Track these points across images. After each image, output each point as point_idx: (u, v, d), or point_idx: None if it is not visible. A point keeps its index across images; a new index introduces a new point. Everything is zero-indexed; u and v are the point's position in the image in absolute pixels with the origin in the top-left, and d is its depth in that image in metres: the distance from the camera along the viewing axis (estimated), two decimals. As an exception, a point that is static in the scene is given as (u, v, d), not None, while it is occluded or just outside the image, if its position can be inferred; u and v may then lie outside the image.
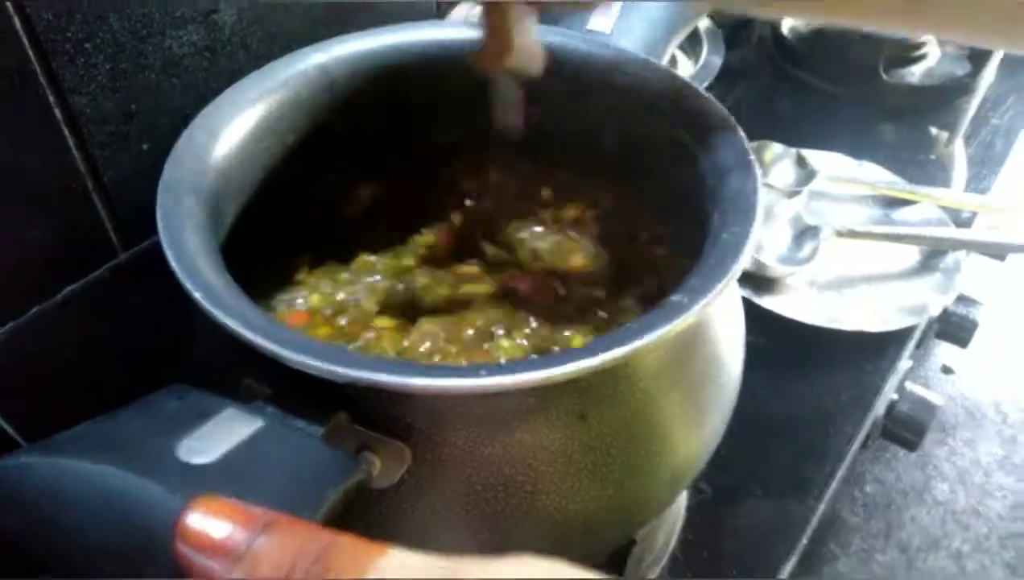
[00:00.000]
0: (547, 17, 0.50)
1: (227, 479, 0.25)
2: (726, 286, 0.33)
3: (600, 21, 0.49)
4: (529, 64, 0.43)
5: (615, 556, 0.47)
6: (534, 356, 0.41)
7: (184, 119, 0.39)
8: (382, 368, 0.29)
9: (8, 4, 0.39)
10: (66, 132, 0.44)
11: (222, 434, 0.26)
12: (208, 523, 0.21)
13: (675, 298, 0.32)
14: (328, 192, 0.50)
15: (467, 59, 0.43)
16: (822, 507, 0.56)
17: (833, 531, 0.69)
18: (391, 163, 0.52)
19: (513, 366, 0.29)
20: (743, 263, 0.33)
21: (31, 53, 0.41)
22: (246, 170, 0.41)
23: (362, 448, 0.31)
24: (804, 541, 0.54)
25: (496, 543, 0.34)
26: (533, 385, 0.29)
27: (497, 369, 0.29)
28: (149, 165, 0.49)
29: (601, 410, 0.34)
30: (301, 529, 0.22)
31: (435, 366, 0.30)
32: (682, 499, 0.55)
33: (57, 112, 0.43)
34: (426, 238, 0.50)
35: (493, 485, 0.33)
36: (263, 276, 0.45)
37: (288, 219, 0.48)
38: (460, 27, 0.48)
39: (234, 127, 0.40)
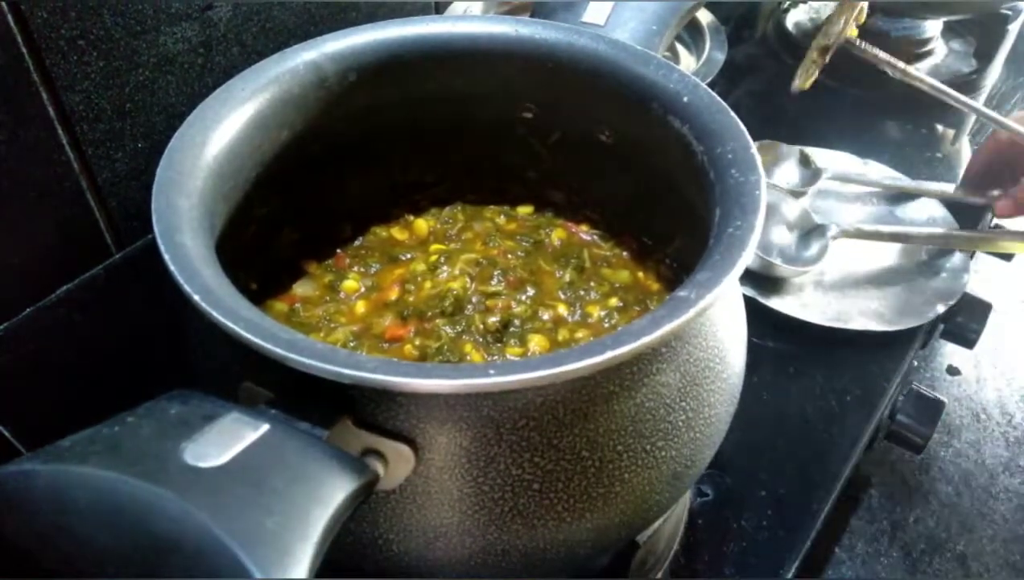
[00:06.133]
0: (542, 9, 0.49)
1: (235, 483, 0.24)
2: (731, 281, 0.32)
3: (594, 13, 0.49)
4: None
5: (618, 559, 0.46)
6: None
7: (179, 116, 0.39)
8: (388, 370, 0.28)
9: (2, 2, 0.39)
10: (59, 130, 0.44)
11: (228, 438, 0.26)
12: None
13: (681, 293, 0.32)
14: (323, 189, 0.50)
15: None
16: (826, 510, 0.55)
17: (837, 534, 0.68)
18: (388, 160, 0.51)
19: (520, 365, 0.29)
20: (748, 257, 0.33)
21: (24, 50, 0.41)
22: (238, 168, 0.40)
23: (367, 451, 0.31)
24: (807, 544, 0.53)
25: (504, 544, 0.34)
26: (541, 383, 0.28)
27: (504, 368, 0.29)
28: (143, 163, 0.48)
29: (608, 406, 0.33)
30: None
31: (441, 367, 0.30)
32: (684, 502, 0.54)
33: (50, 110, 0.43)
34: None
35: (500, 485, 0.33)
36: (255, 275, 0.45)
37: (282, 218, 0.48)
38: (452, 22, 0.47)
39: (226, 125, 0.40)
